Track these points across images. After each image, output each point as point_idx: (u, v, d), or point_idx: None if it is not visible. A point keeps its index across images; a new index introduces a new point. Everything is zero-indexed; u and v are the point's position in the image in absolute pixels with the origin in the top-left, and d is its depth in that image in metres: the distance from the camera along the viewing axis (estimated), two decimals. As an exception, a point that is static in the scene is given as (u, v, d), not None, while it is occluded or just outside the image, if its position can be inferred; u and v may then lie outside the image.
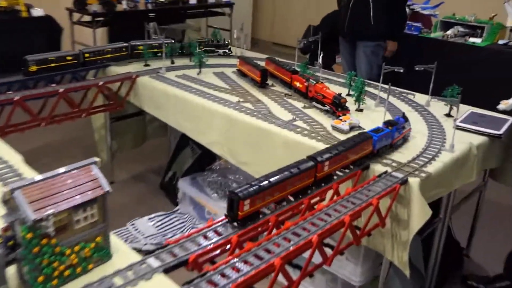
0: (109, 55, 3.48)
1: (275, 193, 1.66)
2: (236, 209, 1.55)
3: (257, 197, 1.59)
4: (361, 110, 2.84)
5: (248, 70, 3.35)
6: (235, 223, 1.57)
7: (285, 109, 2.84)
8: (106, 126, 4.01)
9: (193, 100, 2.98)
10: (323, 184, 1.88)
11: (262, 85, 3.21)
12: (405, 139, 2.39)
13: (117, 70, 3.52)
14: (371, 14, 4.19)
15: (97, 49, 3.42)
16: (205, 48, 3.87)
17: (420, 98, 3.08)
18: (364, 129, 2.49)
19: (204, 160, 3.96)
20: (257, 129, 2.63)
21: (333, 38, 5.19)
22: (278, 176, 1.68)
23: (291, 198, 1.76)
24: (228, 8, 7.17)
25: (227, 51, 3.90)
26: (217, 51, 3.84)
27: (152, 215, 3.60)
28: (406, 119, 2.42)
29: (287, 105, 2.91)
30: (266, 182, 1.63)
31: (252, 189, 1.58)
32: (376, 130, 2.19)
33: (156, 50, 3.75)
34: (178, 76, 3.40)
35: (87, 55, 3.34)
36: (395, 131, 2.28)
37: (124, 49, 3.57)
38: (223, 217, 1.58)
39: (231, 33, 6.77)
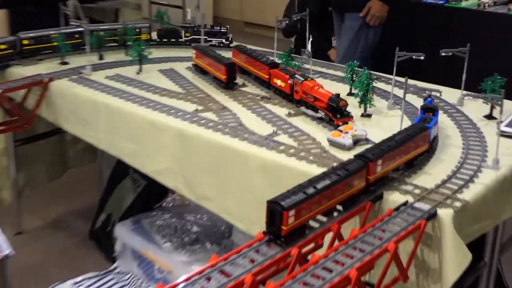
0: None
1: (322, 202, 1.87)
2: (278, 223, 1.72)
3: (303, 206, 1.77)
4: (368, 116, 2.85)
5: (208, 65, 3.35)
6: (278, 241, 1.73)
7: (262, 118, 2.84)
8: (9, 153, 3.96)
9: (132, 111, 2.97)
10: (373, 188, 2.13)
11: (228, 85, 3.22)
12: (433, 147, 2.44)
13: (21, 71, 3.49)
14: None
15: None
16: (192, 36, 3.90)
17: (449, 94, 3.10)
18: (373, 142, 2.49)
19: (151, 195, 3.95)
20: (223, 149, 2.62)
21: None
22: (325, 180, 1.89)
23: (339, 207, 2.01)
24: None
25: (224, 41, 3.88)
26: (210, 41, 3.84)
27: (79, 278, 3.55)
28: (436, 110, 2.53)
29: (264, 112, 2.90)
30: (311, 188, 1.82)
31: (297, 197, 1.76)
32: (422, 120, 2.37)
33: (76, 41, 3.74)
34: (109, 78, 3.39)
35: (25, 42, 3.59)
36: (435, 123, 2.40)
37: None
38: (260, 234, 1.77)
39: (184, 12, 6.78)
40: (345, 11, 4.67)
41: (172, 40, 3.95)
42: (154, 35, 4.04)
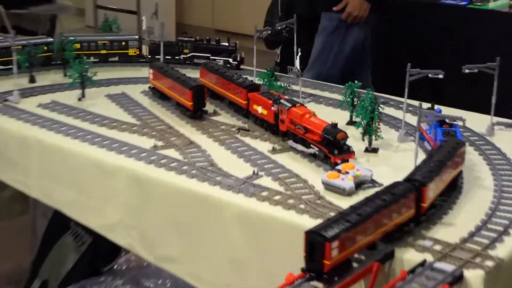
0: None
1: (368, 232, 1.99)
2: (320, 257, 1.83)
3: (347, 236, 1.89)
4: (374, 151, 2.88)
5: (169, 88, 3.37)
6: (320, 279, 1.85)
7: (239, 156, 2.85)
8: None
9: (73, 148, 2.97)
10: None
11: (196, 114, 3.23)
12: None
13: None
14: None
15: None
16: (192, 53, 3.89)
17: (475, 121, 3.14)
18: (381, 184, 2.52)
19: (99, 255, 3.93)
20: (189, 197, 2.62)
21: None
22: (370, 206, 2.03)
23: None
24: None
25: (231, 61, 3.83)
26: (216, 60, 3.80)
27: None
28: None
29: (242, 148, 2.91)
30: (354, 214, 1.95)
31: (340, 225, 1.88)
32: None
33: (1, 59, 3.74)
34: (43, 106, 3.40)
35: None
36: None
37: None
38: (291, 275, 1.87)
39: (139, 19, 6.82)
40: (320, 9, 4.81)
41: (167, 57, 3.87)
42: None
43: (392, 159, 2.83)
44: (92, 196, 2.93)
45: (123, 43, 3.99)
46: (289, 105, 2.91)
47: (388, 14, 5.07)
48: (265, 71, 3.49)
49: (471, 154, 2.86)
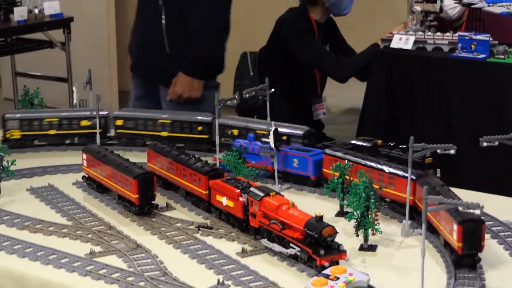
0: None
1: None
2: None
3: None
4: (371, 249, 2.90)
5: (109, 178, 3.39)
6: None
7: (200, 261, 2.84)
8: None
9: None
10: None
11: (143, 209, 3.24)
12: None
13: None
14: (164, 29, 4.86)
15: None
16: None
17: (498, 206, 3.18)
18: (381, 292, 2.53)
19: None
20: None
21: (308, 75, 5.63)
22: None
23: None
24: (60, 34, 7.32)
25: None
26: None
27: None
28: None
29: (203, 251, 2.91)
30: None
31: None
32: None
33: None
34: None
35: None
36: None
37: None
38: None
39: (70, 88, 6.84)
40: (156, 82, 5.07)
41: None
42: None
43: (394, 259, 2.84)
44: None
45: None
46: (262, 194, 2.93)
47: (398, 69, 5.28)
48: (230, 152, 3.51)
49: (493, 248, 2.89)
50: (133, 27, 5.29)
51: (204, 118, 4.05)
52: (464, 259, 2.71)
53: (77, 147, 3.93)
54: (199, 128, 4.03)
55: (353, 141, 3.66)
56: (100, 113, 3.97)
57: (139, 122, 4.09)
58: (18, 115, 4.14)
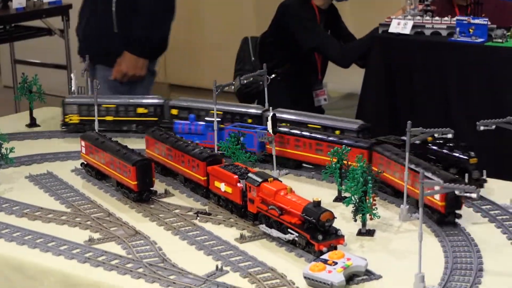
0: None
1: None
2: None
3: None
4: (369, 233, 2.90)
5: (107, 165, 3.39)
6: None
7: (198, 247, 2.85)
8: None
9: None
10: None
11: (142, 196, 3.25)
12: None
13: None
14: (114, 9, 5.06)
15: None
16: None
17: (498, 190, 3.18)
18: (379, 276, 2.53)
19: None
20: (137, 303, 2.61)
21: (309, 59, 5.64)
22: None
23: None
24: (59, 21, 7.32)
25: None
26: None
27: None
28: None
29: (201, 238, 2.92)
30: None
31: None
32: None
33: None
34: None
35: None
36: None
37: None
38: None
39: (69, 75, 6.82)
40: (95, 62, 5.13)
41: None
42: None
43: (392, 243, 2.84)
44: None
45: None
46: (260, 180, 2.93)
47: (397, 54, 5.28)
48: (228, 138, 3.50)
49: (492, 233, 2.90)
50: (80, 9, 5.41)
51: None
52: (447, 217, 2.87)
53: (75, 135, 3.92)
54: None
55: (403, 137, 3.56)
56: (156, 101, 4.14)
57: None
58: (77, 100, 4.20)
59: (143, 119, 4.10)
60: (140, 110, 4.13)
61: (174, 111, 4.06)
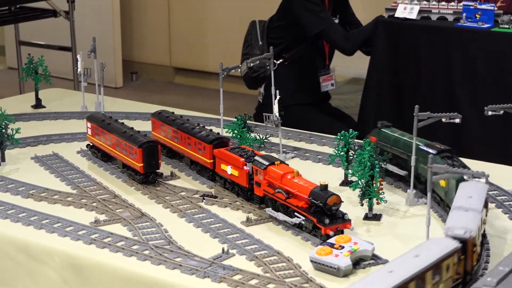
0: None
1: None
2: None
3: None
4: (376, 218, 2.90)
5: (113, 146, 3.39)
6: None
7: (204, 230, 2.86)
8: None
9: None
10: None
11: (147, 178, 3.25)
12: None
13: None
14: None
15: None
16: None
17: (504, 175, 3.17)
18: (385, 260, 2.53)
19: None
20: (142, 285, 2.61)
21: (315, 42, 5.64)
22: None
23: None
24: (64, 3, 7.30)
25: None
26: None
27: None
28: None
29: (207, 220, 2.92)
30: None
31: None
32: None
33: None
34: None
35: None
36: None
37: None
38: None
39: (73, 57, 6.81)
40: None
41: None
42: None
43: (399, 228, 2.84)
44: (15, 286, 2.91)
45: None
46: (266, 163, 2.93)
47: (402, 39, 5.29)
48: (235, 120, 3.51)
49: (498, 217, 2.90)
50: None
51: None
52: None
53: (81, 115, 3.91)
54: None
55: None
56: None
57: None
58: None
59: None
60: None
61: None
